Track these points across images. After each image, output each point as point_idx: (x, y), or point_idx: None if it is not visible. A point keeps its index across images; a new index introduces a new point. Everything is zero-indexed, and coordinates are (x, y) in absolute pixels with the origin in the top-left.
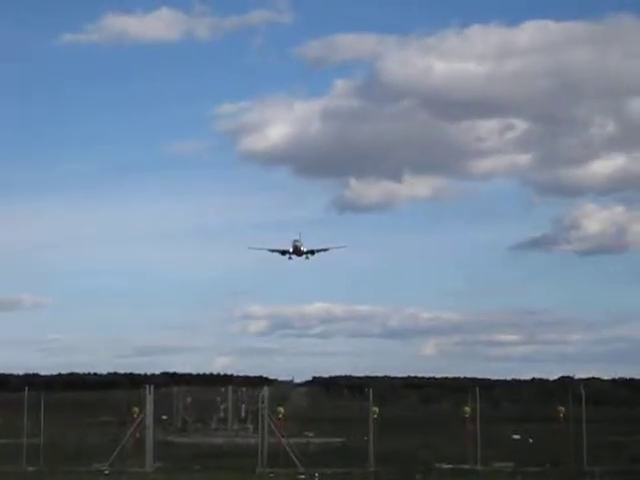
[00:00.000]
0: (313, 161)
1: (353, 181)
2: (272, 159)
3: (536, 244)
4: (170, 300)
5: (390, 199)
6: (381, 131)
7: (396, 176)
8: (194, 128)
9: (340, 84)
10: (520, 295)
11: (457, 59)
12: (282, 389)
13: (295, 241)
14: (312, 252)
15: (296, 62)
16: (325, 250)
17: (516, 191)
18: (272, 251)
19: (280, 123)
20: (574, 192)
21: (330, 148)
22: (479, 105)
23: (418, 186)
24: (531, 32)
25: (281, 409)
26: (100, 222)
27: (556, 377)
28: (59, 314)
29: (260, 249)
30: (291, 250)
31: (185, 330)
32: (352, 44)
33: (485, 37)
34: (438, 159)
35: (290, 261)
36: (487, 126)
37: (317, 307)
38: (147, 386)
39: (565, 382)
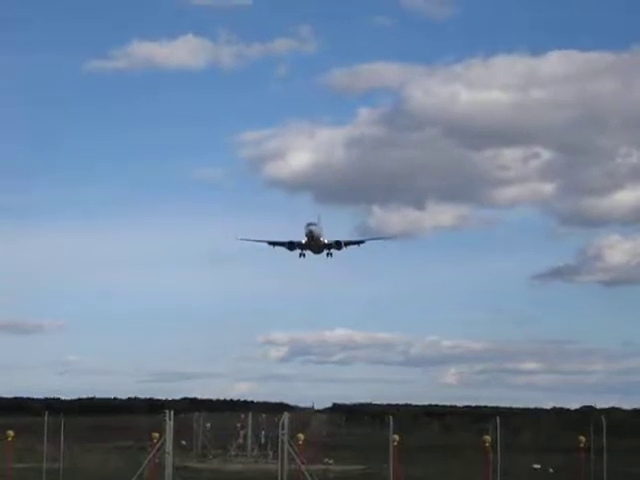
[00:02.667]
0: (336, 188)
1: (376, 209)
2: (295, 186)
3: (559, 274)
4: (191, 325)
5: (413, 227)
6: (405, 159)
7: (419, 204)
8: (218, 154)
9: (364, 112)
10: (542, 325)
11: (482, 88)
12: (302, 416)
13: (310, 225)
14: (339, 245)
15: (320, 90)
16: (359, 243)
17: (539, 220)
18: (272, 244)
19: (303, 150)
20: (598, 222)
21: (353, 175)
22: (503, 134)
23: (441, 214)
24: (556, 62)
25: (301, 435)
26: (121, 245)
27: (577, 406)
28: (79, 338)
29: (256, 241)
30: (304, 241)
31: (206, 355)
32: (377, 73)
33: (510, 66)
34: (462, 187)
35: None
36: (511, 155)
37: (338, 334)
38: (167, 411)
39: (586, 412)
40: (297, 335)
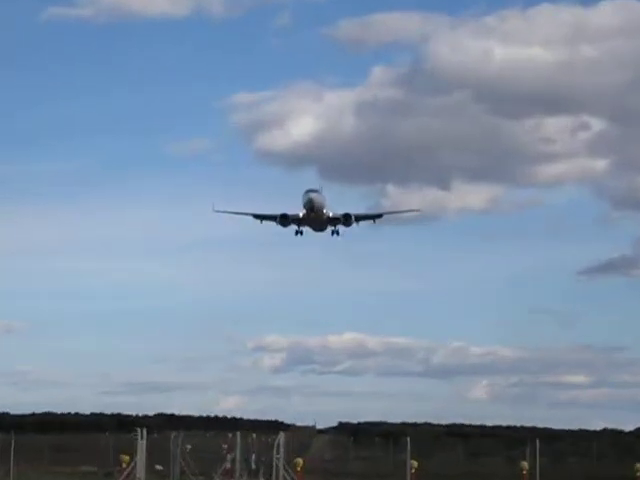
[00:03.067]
0: (344, 163)
1: (391, 188)
2: (295, 160)
3: (612, 268)
4: (168, 327)
5: (435, 210)
6: (426, 128)
7: (443, 183)
8: (202, 122)
9: (378, 72)
10: (591, 329)
11: (520, 43)
12: (301, 436)
13: (309, 192)
14: (348, 219)
15: (326, 45)
16: (374, 218)
17: (589, 203)
18: (260, 218)
19: (305, 117)
20: None
21: (365, 148)
22: (546, 100)
23: (470, 195)
24: (610, 12)
25: (300, 460)
26: (86, 232)
27: (632, 428)
28: (31, 343)
29: (238, 213)
30: (301, 214)
31: (185, 364)
32: (393, 24)
33: (554, 18)
34: (495, 163)
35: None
36: (556, 125)
37: (345, 338)
38: (138, 430)
39: None
40: (295, 339)
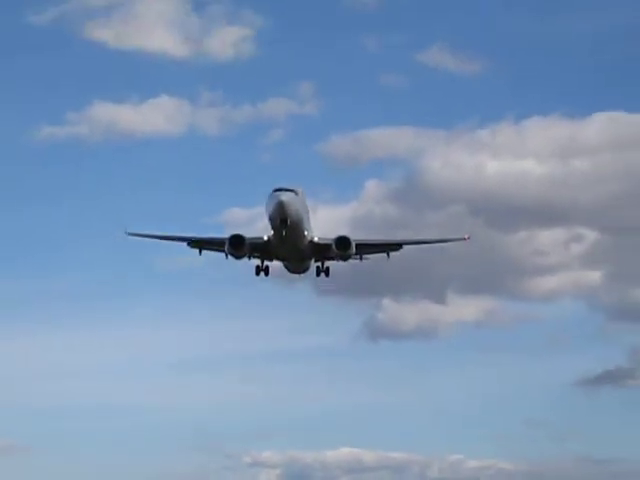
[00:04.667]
0: (339, 278)
1: (387, 302)
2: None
3: (609, 379)
4: (159, 445)
5: (432, 323)
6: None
7: (439, 297)
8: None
9: (372, 186)
10: (589, 441)
11: (513, 157)
12: None
13: (278, 191)
14: (344, 245)
15: (320, 160)
16: (386, 248)
17: (584, 315)
18: (197, 244)
19: None
20: None
21: (360, 262)
22: (539, 212)
23: (465, 308)
24: (599, 126)
25: None
26: (80, 349)
27: None
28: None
29: (164, 238)
30: (266, 237)
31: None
32: (387, 140)
33: (546, 131)
34: (489, 276)
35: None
36: (549, 237)
37: (342, 453)
38: None
39: None
40: (292, 455)
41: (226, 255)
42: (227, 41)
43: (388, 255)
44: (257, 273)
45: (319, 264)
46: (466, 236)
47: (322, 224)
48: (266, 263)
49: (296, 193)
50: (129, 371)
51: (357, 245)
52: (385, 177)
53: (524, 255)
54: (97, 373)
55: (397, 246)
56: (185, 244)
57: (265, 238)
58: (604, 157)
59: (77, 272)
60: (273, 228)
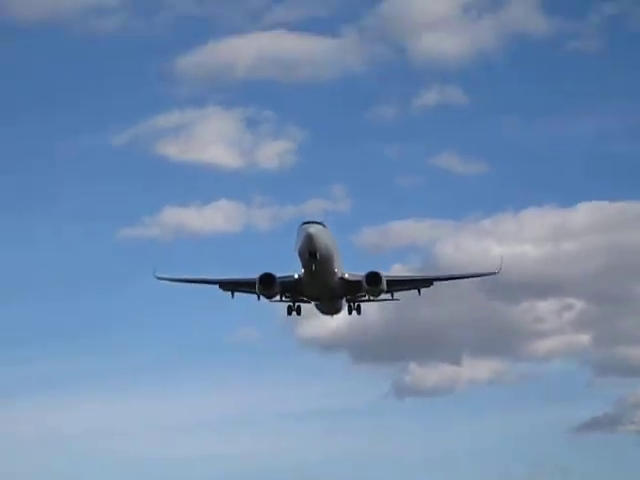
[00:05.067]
0: (372, 346)
1: (413, 365)
2: (331, 345)
3: (597, 425)
4: None
5: (449, 383)
6: (439, 313)
7: (455, 359)
8: (253, 315)
9: (396, 269)
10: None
11: (513, 242)
12: None
13: (307, 224)
14: (375, 281)
15: (353, 249)
16: (423, 284)
17: (576, 371)
18: (228, 286)
19: None
20: (636, 371)
21: (389, 332)
22: (536, 286)
23: (478, 369)
24: (585, 213)
25: None
26: (132, 417)
27: None
28: None
29: (190, 281)
30: (297, 275)
31: None
32: (407, 230)
33: (541, 219)
34: (497, 341)
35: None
36: (545, 307)
37: None
38: None
39: None
40: None
41: (258, 296)
42: (273, 153)
43: (419, 292)
44: (289, 313)
45: (351, 302)
46: (496, 270)
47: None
48: (297, 303)
49: (324, 226)
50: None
51: (388, 281)
52: (407, 261)
53: (525, 322)
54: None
55: (428, 283)
56: (217, 287)
57: (296, 276)
58: (589, 238)
59: (159, 344)
60: (302, 263)
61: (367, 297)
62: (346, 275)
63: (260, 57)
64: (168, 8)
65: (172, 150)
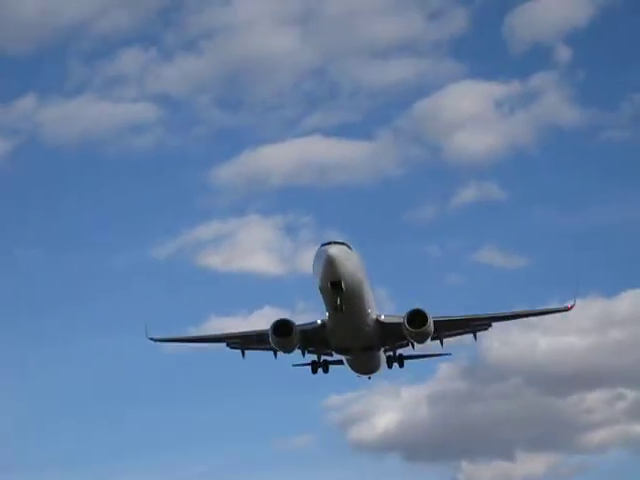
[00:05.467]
0: (423, 446)
1: (465, 463)
2: (382, 447)
3: None
4: None
5: (504, 479)
6: (489, 411)
7: (508, 455)
8: (304, 422)
9: (444, 368)
10: None
11: (560, 334)
12: None
13: (327, 245)
14: (422, 320)
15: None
16: (470, 325)
17: (631, 462)
18: (237, 342)
19: (388, 410)
20: None
21: (439, 432)
22: (585, 378)
23: (532, 464)
24: (630, 301)
25: None
26: None
27: None
28: None
29: (189, 340)
30: (320, 321)
31: None
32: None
33: (585, 310)
34: (549, 435)
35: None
36: (595, 398)
37: None
38: None
39: None
40: None
41: (274, 353)
42: None
43: (475, 336)
44: (314, 371)
45: (390, 353)
46: (569, 305)
47: (407, 404)
48: (322, 356)
49: (349, 247)
50: None
51: (436, 322)
52: (454, 359)
53: (576, 414)
54: None
55: (485, 324)
56: (224, 345)
57: (319, 322)
58: (635, 327)
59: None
60: (325, 299)
61: (410, 344)
62: (382, 317)
63: (296, 164)
64: (203, 121)
65: (214, 260)
